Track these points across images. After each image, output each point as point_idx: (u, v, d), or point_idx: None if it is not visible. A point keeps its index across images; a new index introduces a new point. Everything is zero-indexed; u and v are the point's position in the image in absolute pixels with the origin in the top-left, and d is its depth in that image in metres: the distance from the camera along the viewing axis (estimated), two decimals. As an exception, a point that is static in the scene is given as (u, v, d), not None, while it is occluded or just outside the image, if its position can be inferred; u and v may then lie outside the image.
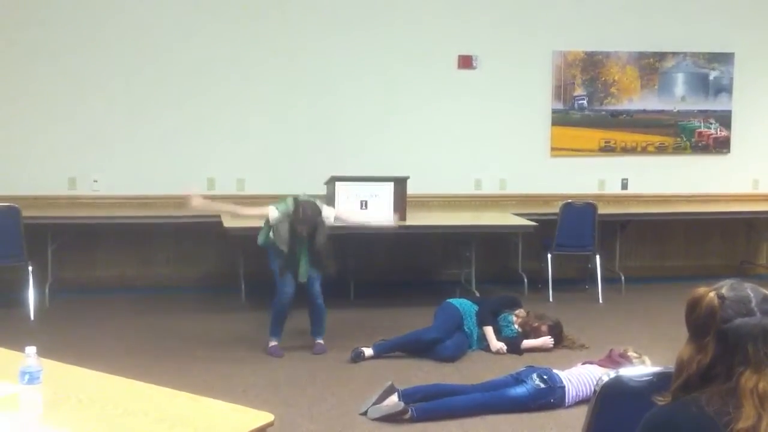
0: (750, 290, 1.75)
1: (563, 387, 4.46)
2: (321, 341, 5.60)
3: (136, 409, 2.23)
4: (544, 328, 5.54)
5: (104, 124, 7.11)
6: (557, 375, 4.53)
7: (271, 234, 5.44)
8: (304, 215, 5.24)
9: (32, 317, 6.13)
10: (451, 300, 5.73)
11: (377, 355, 5.26)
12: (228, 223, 6.23)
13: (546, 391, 4.43)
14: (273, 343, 5.53)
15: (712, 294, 1.74)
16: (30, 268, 6.22)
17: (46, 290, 6.56)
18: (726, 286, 1.76)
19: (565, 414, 4.34)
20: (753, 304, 1.71)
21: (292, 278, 5.43)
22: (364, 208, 6.38)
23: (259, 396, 4.53)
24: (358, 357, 5.24)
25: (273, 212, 5.36)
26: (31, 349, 2.18)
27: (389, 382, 4.40)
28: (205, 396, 2.34)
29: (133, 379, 2.48)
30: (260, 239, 5.55)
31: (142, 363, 5.00)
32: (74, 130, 7.08)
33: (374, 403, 4.27)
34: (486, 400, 4.37)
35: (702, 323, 1.73)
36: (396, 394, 4.32)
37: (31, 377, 2.14)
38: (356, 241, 6.51)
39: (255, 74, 7.27)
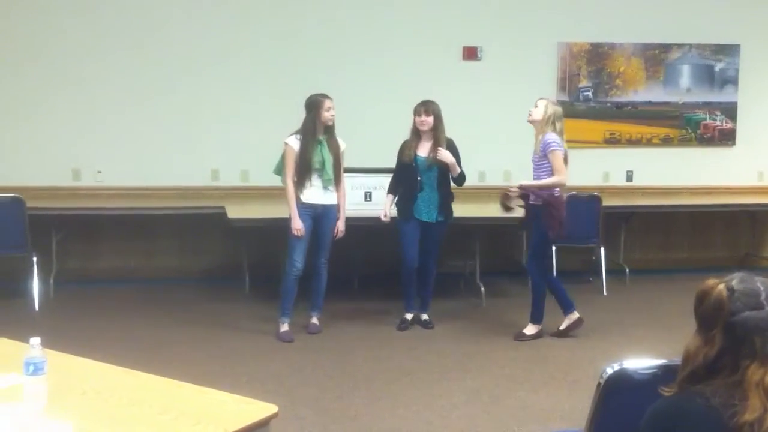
0: (760, 283, 1.74)
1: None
2: (316, 321, 5.60)
3: (140, 400, 2.23)
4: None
5: (108, 115, 7.11)
6: None
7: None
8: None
9: (37, 308, 6.14)
10: None
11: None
12: (232, 214, 6.23)
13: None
14: (284, 328, 5.55)
15: (721, 286, 1.73)
16: (34, 259, 6.23)
17: (51, 281, 6.58)
18: (736, 279, 1.75)
19: (570, 405, 4.34)
20: (762, 297, 1.71)
21: (302, 253, 5.45)
22: (368, 199, 6.38)
23: (264, 386, 4.53)
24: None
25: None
26: (35, 340, 2.17)
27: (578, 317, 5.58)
28: (210, 387, 2.33)
29: (137, 370, 2.48)
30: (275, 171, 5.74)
31: (146, 354, 5.01)
32: (78, 121, 7.08)
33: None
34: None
35: (710, 315, 1.72)
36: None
37: (36, 368, 2.13)
38: (361, 232, 6.49)
39: (259, 65, 7.25)
